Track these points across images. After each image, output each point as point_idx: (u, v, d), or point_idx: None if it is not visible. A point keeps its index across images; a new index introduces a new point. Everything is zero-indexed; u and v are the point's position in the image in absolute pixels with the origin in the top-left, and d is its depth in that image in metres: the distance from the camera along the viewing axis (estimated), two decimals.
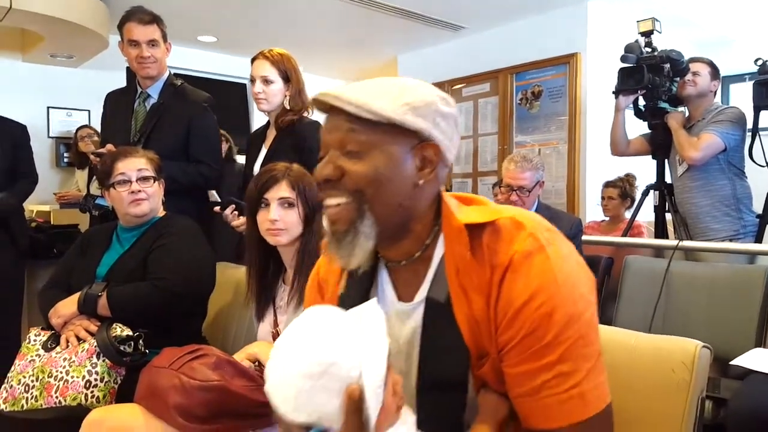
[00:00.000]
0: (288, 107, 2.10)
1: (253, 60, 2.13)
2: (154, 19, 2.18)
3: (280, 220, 1.41)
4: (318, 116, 2.20)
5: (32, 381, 1.50)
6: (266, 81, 2.08)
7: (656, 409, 0.88)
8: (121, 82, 4.26)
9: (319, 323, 0.69)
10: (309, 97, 2.16)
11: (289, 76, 2.10)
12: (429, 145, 0.80)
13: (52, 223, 3.70)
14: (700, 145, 2.47)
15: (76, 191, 4.04)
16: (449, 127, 0.82)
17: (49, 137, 4.45)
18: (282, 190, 1.44)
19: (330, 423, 0.66)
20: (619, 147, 2.87)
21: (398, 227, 0.81)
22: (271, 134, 2.19)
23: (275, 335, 1.49)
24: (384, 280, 0.88)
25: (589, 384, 0.73)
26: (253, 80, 2.10)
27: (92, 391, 1.47)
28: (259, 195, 1.44)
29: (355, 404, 0.64)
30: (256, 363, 1.43)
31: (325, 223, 0.83)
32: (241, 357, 1.42)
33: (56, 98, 4.47)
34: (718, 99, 2.74)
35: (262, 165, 2.06)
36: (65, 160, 4.45)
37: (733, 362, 1.52)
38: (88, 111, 4.53)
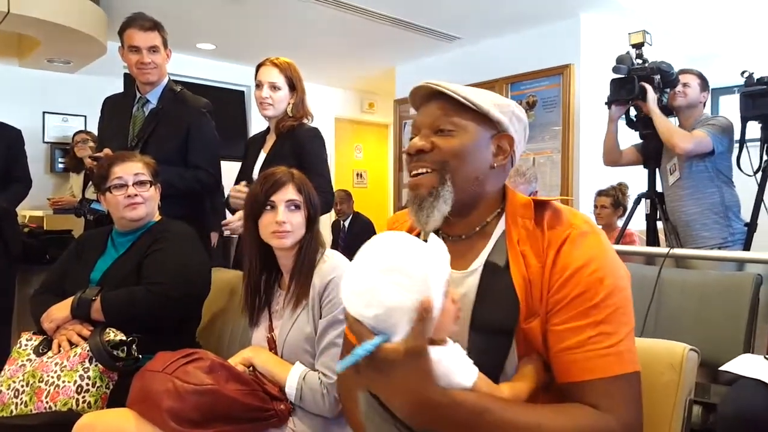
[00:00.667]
0: (290, 114, 2.14)
1: (259, 66, 2.16)
2: (155, 26, 2.20)
3: (287, 222, 1.43)
4: (317, 123, 2.24)
5: (22, 386, 1.49)
6: (274, 87, 2.12)
7: (645, 410, 0.89)
8: (118, 88, 4.26)
9: (393, 234, 0.80)
10: (309, 107, 2.20)
11: (295, 84, 2.15)
12: (505, 136, 0.95)
13: (45, 228, 3.69)
14: (692, 139, 2.51)
15: (70, 197, 4.03)
16: (520, 129, 0.98)
17: (44, 142, 4.45)
18: (289, 193, 1.45)
19: (395, 318, 0.73)
20: (612, 157, 2.90)
21: (470, 200, 0.94)
22: (271, 139, 2.21)
23: (270, 340, 1.49)
24: None
25: (626, 346, 0.82)
26: (259, 85, 2.13)
27: (84, 396, 1.46)
28: (265, 198, 1.44)
29: (426, 312, 0.72)
30: (251, 367, 1.44)
31: (408, 191, 0.96)
32: (235, 361, 1.43)
33: (52, 103, 4.48)
34: (707, 110, 2.78)
35: (262, 169, 2.08)
36: (60, 165, 4.45)
37: (722, 368, 1.53)
38: (84, 116, 4.54)
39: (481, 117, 0.93)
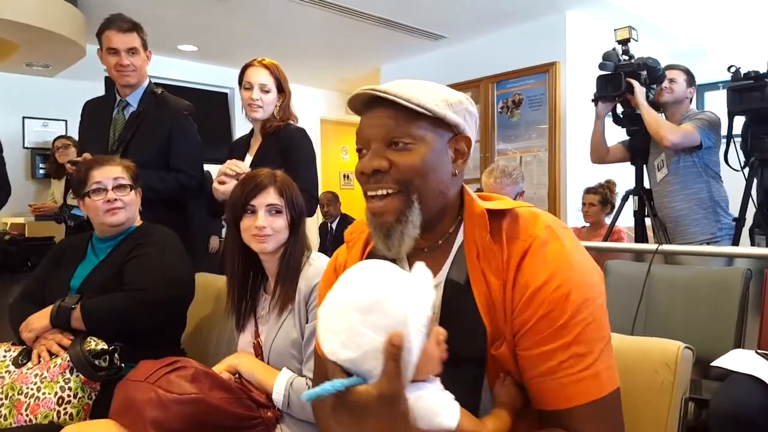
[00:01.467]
0: (277, 116, 2.11)
1: (247, 66, 2.12)
2: (134, 27, 2.15)
3: (267, 226, 1.39)
4: (303, 125, 2.21)
5: (1, 399, 1.44)
6: (263, 89, 2.08)
7: (640, 410, 0.88)
8: (99, 91, 4.20)
9: (374, 267, 0.73)
10: (294, 109, 2.17)
11: (283, 85, 2.13)
12: (462, 138, 0.86)
13: (26, 235, 3.62)
14: (680, 132, 2.51)
15: (51, 203, 3.97)
16: (473, 124, 0.90)
17: (24, 148, 4.38)
18: (270, 197, 1.41)
19: (371, 362, 0.67)
20: (599, 154, 2.89)
21: (435, 216, 0.86)
22: (256, 142, 2.18)
23: (256, 346, 1.46)
24: (404, 267, 0.91)
25: (602, 365, 0.76)
26: (249, 87, 2.08)
27: (65, 408, 1.42)
28: (245, 201, 1.41)
29: (395, 350, 0.65)
30: (236, 375, 1.40)
31: (368, 215, 0.86)
32: (220, 369, 1.39)
33: (32, 108, 4.40)
34: (694, 105, 2.77)
35: None
36: (41, 171, 4.38)
37: (713, 363, 1.53)
38: (65, 121, 4.47)
39: (436, 121, 0.83)
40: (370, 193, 0.84)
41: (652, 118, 2.57)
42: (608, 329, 0.79)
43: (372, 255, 0.93)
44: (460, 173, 0.87)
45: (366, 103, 0.85)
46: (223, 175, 1.98)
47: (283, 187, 1.45)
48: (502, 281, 0.80)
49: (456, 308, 0.83)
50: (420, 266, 0.75)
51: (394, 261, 0.90)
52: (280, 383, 1.34)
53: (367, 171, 0.83)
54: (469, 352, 0.81)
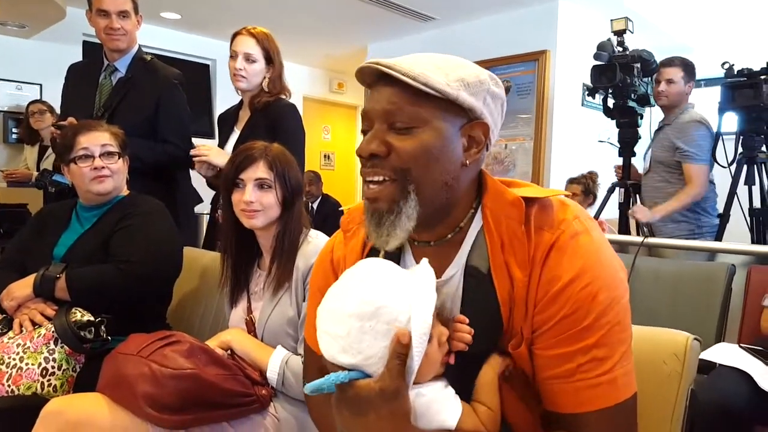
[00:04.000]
0: (266, 89, 2.04)
1: (235, 35, 2.05)
2: None
3: (255, 201, 1.35)
4: (295, 100, 2.15)
5: None
6: (249, 58, 2.01)
7: (647, 400, 0.89)
8: (77, 56, 4.04)
9: (374, 269, 0.71)
10: (287, 83, 2.11)
11: (272, 57, 2.05)
12: (478, 125, 0.78)
13: None
14: (697, 182, 2.48)
15: (24, 169, 3.83)
16: (497, 108, 0.81)
17: None
18: (259, 171, 1.37)
19: (372, 367, 0.67)
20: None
21: (440, 209, 0.79)
22: (245, 115, 2.12)
23: (248, 322, 1.44)
24: (409, 260, 0.86)
25: (621, 370, 0.73)
26: (234, 56, 2.02)
27: (49, 380, 1.38)
28: (234, 175, 1.37)
29: (402, 348, 0.64)
30: (229, 351, 1.38)
31: (364, 200, 0.80)
32: (213, 344, 1.37)
33: (5, 69, 4.21)
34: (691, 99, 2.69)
35: (236, 146, 1.99)
36: (13, 135, 4.20)
37: (701, 356, 1.56)
38: (40, 85, 4.29)
39: (447, 103, 0.74)
40: (367, 179, 0.78)
41: (676, 207, 2.53)
42: (630, 330, 0.76)
43: (373, 252, 0.87)
44: (473, 163, 0.78)
45: (376, 77, 0.78)
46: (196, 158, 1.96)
47: (275, 160, 1.40)
48: (526, 275, 0.74)
49: (475, 299, 0.77)
50: (424, 264, 0.71)
51: (399, 252, 0.86)
52: (275, 361, 1.32)
53: (364, 154, 0.76)
54: (483, 351, 0.76)
